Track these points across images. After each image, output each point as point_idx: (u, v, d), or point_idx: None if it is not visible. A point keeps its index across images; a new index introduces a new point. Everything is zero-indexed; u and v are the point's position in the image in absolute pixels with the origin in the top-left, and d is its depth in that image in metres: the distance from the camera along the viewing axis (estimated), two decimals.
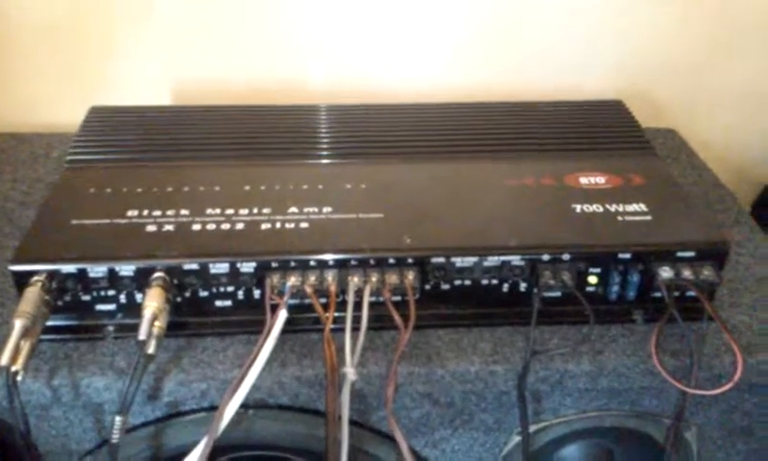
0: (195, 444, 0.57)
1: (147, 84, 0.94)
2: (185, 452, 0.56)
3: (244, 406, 0.62)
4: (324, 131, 0.76)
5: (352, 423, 0.63)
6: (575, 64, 0.95)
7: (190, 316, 0.60)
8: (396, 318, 0.57)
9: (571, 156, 0.72)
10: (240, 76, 0.94)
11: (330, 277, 0.58)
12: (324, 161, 0.71)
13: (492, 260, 0.59)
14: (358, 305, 0.57)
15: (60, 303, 0.58)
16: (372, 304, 0.58)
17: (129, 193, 0.65)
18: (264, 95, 0.94)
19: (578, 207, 0.64)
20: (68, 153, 0.70)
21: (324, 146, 0.73)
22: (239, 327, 0.61)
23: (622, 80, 0.96)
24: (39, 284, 0.56)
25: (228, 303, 0.60)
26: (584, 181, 0.68)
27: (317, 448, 0.64)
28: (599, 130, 0.76)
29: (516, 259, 0.59)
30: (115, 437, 0.54)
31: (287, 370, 0.58)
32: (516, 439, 0.67)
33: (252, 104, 0.80)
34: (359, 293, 0.58)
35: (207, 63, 0.93)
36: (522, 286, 0.61)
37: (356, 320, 0.57)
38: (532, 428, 0.66)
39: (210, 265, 0.58)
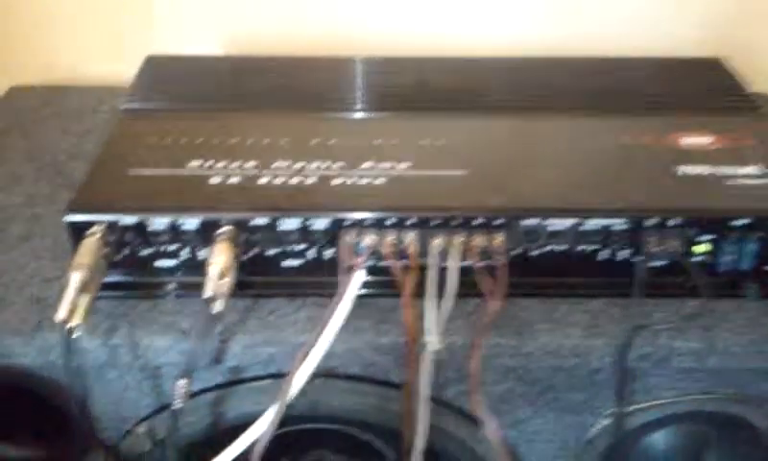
0: (257, 413, 0.52)
1: (199, 35, 0.89)
2: (247, 422, 0.52)
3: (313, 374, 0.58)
4: (396, 84, 0.70)
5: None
6: (666, 18, 0.87)
7: (256, 276, 0.56)
8: (486, 284, 0.51)
9: (668, 115, 0.65)
10: (299, 27, 0.89)
11: (410, 237, 0.53)
12: (398, 116, 0.65)
13: (592, 224, 0.53)
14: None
15: (118, 257, 0.54)
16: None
17: (189, 144, 0.60)
18: (326, 47, 0.89)
19: (682, 169, 0.57)
20: (124, 101, 0.66)
21: (398, 100, 0.67)
22: (309, 289, 0.56)
23: (719, 37, 0.87)
24: (98, 236, 0.52)
25: (298, 262, 0.55)
26: (686, 141, 0.61)
27: (387, 424, 0.60)
28: (697, 88, 0.69)
29: (618, 223, 0.53)
30: (177, 402, 0.50)
31: (362, 336, 0.53)
32: (604, 422, 0.61)
33: (316, 55, 0.75)
34: (441, 256, 0.53)
35: (262, 14, 0.88)
36: (623, 254, 0.55)
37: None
38: (625, 409, 0.60)
39: (280, 221, 0.53)
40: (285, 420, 0.51)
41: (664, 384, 0.58)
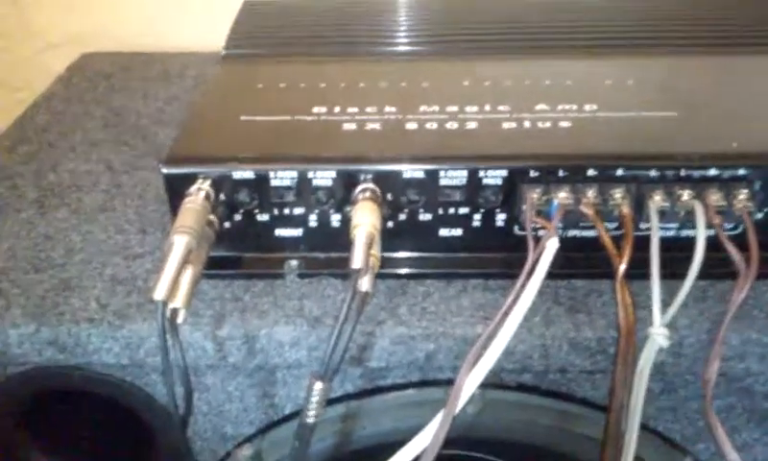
0: (396, 432, 0.39)
1: None
2: (381, 444, 0.39)
3: None
4: (564, 21, 0.57)
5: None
6: None
7: (406, 248, 0.43)
8: (736, 257, 0.37)
9: None
10: None
11: (619, 194, 0.39)
12: (560, 54, 0.51)
13: None
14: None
15: (227, 224, 0.42)
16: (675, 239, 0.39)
17: (310, 88, 0.48)
18: None
19: None
20: (224, 46, 0.54)
21: (569, 37, 0.54)
22: (474, 266, 0.42)
23: None
24: (203, 194, 0.40)
25: (460, 231, 0.42)
26: None
27: (565, 451, 0.46)
28: None
29: None
30: (311, 413, 0.37)
31: (554, 329, 0.39)
32: None
33: None
34: (663, 218, 0.39)
35: None
36: None
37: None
38: None
39: (441, 172, 0.40)
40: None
41: None
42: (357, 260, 0.36)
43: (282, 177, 0.40)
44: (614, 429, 0.40)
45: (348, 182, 0.40)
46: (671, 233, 0.41)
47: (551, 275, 0.41)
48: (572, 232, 0.42)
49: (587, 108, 0.44)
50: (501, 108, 0.44)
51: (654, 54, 0.51)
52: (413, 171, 0.40)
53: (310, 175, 0.40)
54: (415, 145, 0.41)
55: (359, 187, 0.40)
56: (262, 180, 0.40)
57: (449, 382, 0.44)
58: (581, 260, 0.42)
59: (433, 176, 0.40)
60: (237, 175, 0.40)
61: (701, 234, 0.36)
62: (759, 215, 0.40)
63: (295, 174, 0.40)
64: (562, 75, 0.48)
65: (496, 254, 0.42)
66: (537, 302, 0.40)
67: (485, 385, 0.44)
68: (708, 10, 0.56)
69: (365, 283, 0.37)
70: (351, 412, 0.45)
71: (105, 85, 0.68)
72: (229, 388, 0.45)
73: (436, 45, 0.53)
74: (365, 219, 0.38)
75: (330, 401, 0.45)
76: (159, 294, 0.36)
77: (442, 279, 0.42)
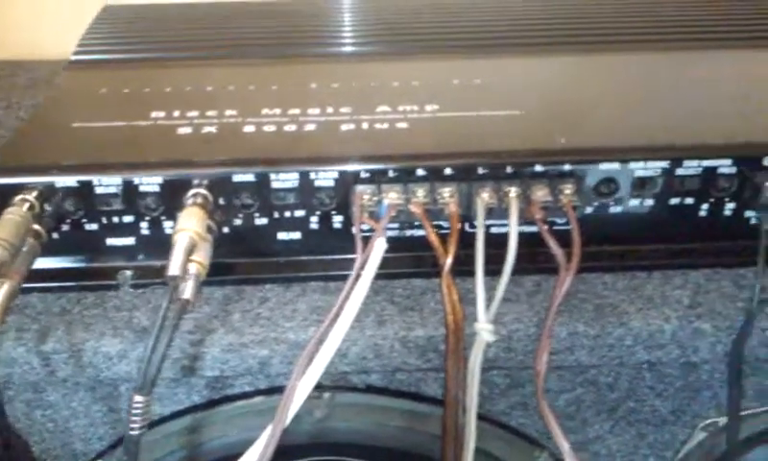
0: (246, 443, 0.38)
1: None
2: (232, 456, 0.38)
3: (317, 387, 0.43)
4: (417, 22, 0.57)
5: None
6: None
7: (243, 254, 0.42)
8: (557, 251, 0.38)
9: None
10: None
11: (448, 192, 0.40)
12: (416, 56, 0.52)
13: (689, 167, 0.40)
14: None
15: (55, 235, 0.40)
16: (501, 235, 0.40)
17: (154, 93, 0.47)
18: None
19: None
20: (73, 52, 0.53)
21: (414, 38, 0.54)
22: (312, 269, 0.42)
23: None
24: (26, 205, 0.39)
25: (298, 234, 0.41)
26: None
27: (418, 451, 0.45)
28: None
29: (725, 165, 0.40)
30: (135, 426, 0.36)
31: (386, 329, 0.39)
32: (700, 436, 0.47)
33: None
34: (490, 215, 0.39)
35: None
36: (728, 208, 0.41)
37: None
38: (721, 420, 0.46)
39: (272, 176, 0.39)
40: (280, 450, 0.37)
41: None
42: (174, 267, 0.35)
43: (107, 184, 0.39)
44: (452, 424, 0.40)
45: (177, 188, 0.39)
46: (505, 230, 0.42)
47: (389, 275, 0.42)
48: (409, 232, 0.42)
49: (428, 108, 0.44)
50: (343, 109, 0.44)
51: (508, 53, 0.52)
52: (243, 175, 0.39)
53: (136, 181, 0.39)
54: (247, 148, 0.41)
55: (189, 192, 0.39)
56: (86, 188, 0.39)
57: None
58: (418, 259, 0.42)
59: (264, 179, 0.39)
60: (60, 183, 0.39)
61: (513, 230, 0.37)
62: (589, 210, 0.41)
63: (119, 181, 0.39)
64: (409, 76, 0.48)
65: (336, 256, 0.42)
66: (371, 302, 0.40)
67: (333, 388, 0.44)
68: (565, 8, 0.58)
69: (186, 291, 0.36)
70: (198, 424, 0.44)
71: None
72: (73, 404, 0.44)
73: (287, 48, 0.53)
74: (186, 224, 0.37)
75: (176, 414, 0.44)
76: None
77: (281, 283, 0.42)
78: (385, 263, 0.40)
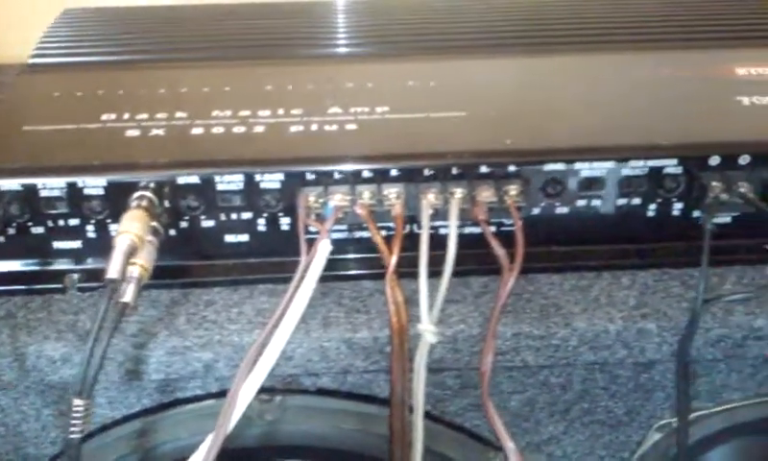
0: (196, 447, 0.38)
1: None
2: (186, 459, 0.38)
3: (268, 390, 0.43)
4: (366, 22, 0.57)
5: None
6: None
7: (190, 257, 0.42)
8: (499, 252, 0.38)
9: (715, 46, 0.52)
10: None
11: (394, 193, 0.40)
12: (373, 59, 0.52)
13: (635, 167, 0.40)
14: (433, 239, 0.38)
15: (1, 238, 0.40)
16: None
17: (107, 96, 0.46)
18: None
19: (746, 99, 0.44)
20: (30, 55, 0.52)
21: (372, 40, 0.54)
22: (260, 272, 0.42)
23: None
24: None
25: (245, 237, 0.41)
26: (742, 71, 0.48)
27: (370, 453, 0.45)
28: (752, 17, 0.56)
29: (670, 165, 0.40)
30: (75, 430, 0.35)
31: (331, 331, 0.39)
32: (655, 436, 0.47)
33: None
34: (437, 217, 0.39)
35: None
36: (676, 208, 0.41)
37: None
38: (675, 420, 0.46)
39: (217, 178, 0.39)
40: (230, 454, 0.37)
41: (733, 382, 0.44)
42: (113, 270, 0.35)
43: (51, 187, 0.39)
44: (398, 426, 0.40)
45: (122, 191, 0.39)
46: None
47: (339, 276, 0.42)
48: (359, 234, 0.42)
49: (378, 110, 0.44)
50: (294, 111, 0.44)
51: (466, 55, 0.52)
52: (188, 177, 0.39)
53: (80, 184, 0.39)
54: (193, 150, 0.41)
55: (134, 195, 0.39)
56: (31, 191, 0.39)
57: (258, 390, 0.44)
58: (367, 261, 0.41)
59: (209, 181, 0.39)
60: (5, 187, 0.39)
61: (452, 231, 0.37)
62: (536, 211, 0.41)
63: (63, 183, 0.39)
64: (365, 78, 0.48)
65: (284, 258, 0.41)
66: (319, 304, 0.40)
67: (284, 391, 0.44)
68: (521, 11, 0.58)
69: (127, 294, 0.36)
70: (149, 427, 0.44)
71: None
72: (23, 407, 0.44)
73: (244, 50, 0.53)
74: (127, 227, 0.37)
75: (127, 417, 0.44)
76: None
77: (229, 285, 0.42)
78: (334, 265, 0.40)
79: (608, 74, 0.48)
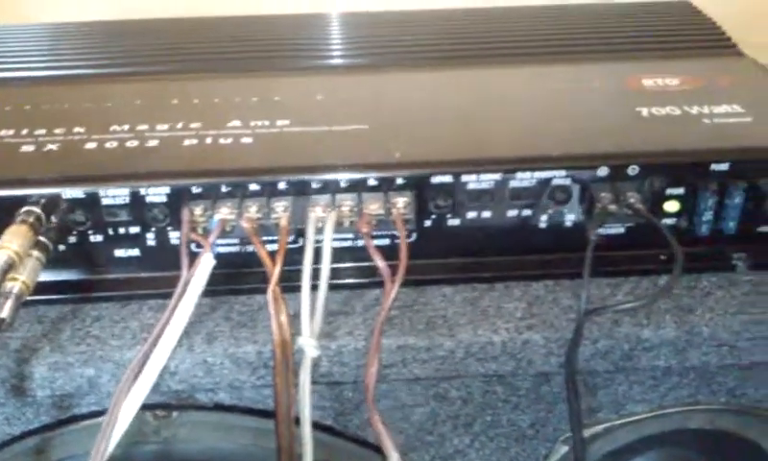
0: None
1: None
2: None
3: (165, 406, 0.43)
4: (283, 36, 0.57)
5: (323, 428, 0.44)
6: None
7: (80, 272, 0.42)
8: (380, 264, 0.37)
9: (627, 58, 0.52)
10: None
11: (281, 207, 0.39)
12: (283, 73, 0.52)
13: (524, 179, 0.40)
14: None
15: None
16: (344, 249, 0.40)
17: (10, 112, 0.46)
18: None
19: (645, 110, 0.44)
20: None
21: (286, 54, 0.55)
22: (152, 286, 0.42)
23: None
24: None
25: (137, 251, 0.41)
26: (649, 83, 0.48)
27: None
28: (665, 30, 0.57)
29: (559, 176, 0.40)
30: None
31: (215, 346, 0.39)
32: (562, 449, 0.47)
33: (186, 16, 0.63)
34: (323, 230, 0.39)
35: None
36: (568, 219, 0.41)
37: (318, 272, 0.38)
38: (585, 433, 0.46)
39: (102, 192, 0.39)
40: None
41: (636, 394, 0.44)
42: None
43: None
44: (285, 441, 0.39)
45: (10, 206, 0.39)
46: (348, 244, 0.42)
47: (229, 291, 0.42)
48: (249, 247, 0.41)
49: (278, 123, 0.44)
50: (193, 125, 0.44)
51: (378, 70, 0.52)
52: (73, 190, 0.39)
53: None
54: (81, 165, 0.40)
55: (20, 211, 0.39)
56: None
57: (154, 406, 0.44)
58: (256, 275, 0.41)
59: (93, 196, 0.39)
60: None
61: (327, 244, 0.37)
62: (428, 223, 0.41)
63: None
64: (274, 92, 0.48)
65: (175, 273, 0.41)
66: (206, 319, 0.40)
67: (179, 407, 0.44)
68: (426, 27, 0.58)
69: (4, 310, 0.36)
70: (46, 444, 0.43)
71: None
72: None
73: (157, 65, 0.53)
74: (9, 242, 0.37)
75: (25, 434, 0.44)
76: None
77: (120, 301, 0.42)
78: (223, 279, 0.40)
79: (499, 87, 0.49)
